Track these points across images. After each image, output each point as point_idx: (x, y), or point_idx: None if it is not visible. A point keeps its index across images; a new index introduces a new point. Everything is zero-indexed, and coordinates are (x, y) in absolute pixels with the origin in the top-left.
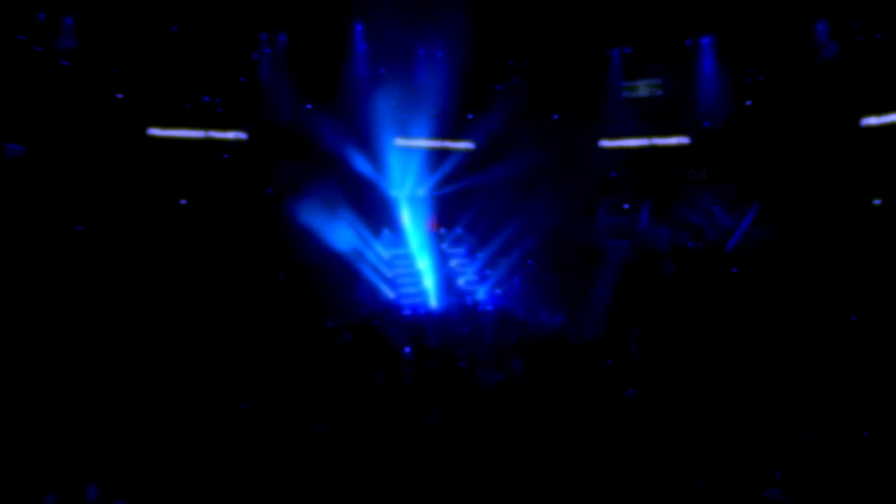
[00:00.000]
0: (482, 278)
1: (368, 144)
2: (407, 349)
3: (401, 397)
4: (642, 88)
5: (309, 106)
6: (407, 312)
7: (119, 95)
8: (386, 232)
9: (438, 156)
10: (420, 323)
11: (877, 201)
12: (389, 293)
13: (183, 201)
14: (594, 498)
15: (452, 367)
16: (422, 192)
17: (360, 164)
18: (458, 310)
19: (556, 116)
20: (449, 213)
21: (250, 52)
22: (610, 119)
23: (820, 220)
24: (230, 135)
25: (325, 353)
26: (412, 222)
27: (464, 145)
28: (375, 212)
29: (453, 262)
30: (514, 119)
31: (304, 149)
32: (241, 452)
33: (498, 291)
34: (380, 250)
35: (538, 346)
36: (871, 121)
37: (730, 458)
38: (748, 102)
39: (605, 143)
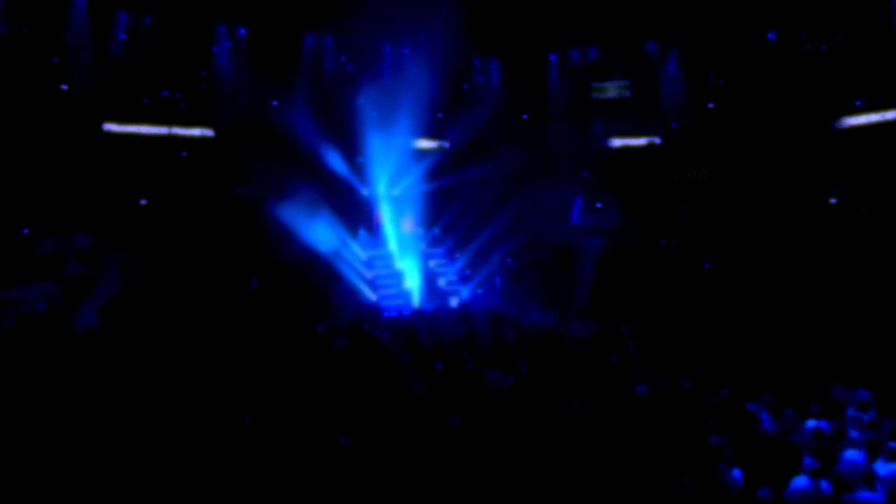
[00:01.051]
0: (462, 278)
1: (339, 143)
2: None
3: (416, 403)
4: (611, 90)
5: (275, 102)
6: (390, 314)
7: (64, 87)
8: (362, 232)
9: (412, 155)
10: (411, 325)
11: (833, 200)
12: (371, 295)
13: (143, 201)
14: (635, 493)
15: (462, 369)
16: (396, 191)
17: (332, 162)
18: (446, 311)
19: (525, 116)
20: (425, 214)
21: (209, 46)
22: (580, 120)
23: (780, 215)
24: (195, 131)
25: (322, 359)
26: (388, 222)
27: (437, 144)
28: (350, 211)
29: (432, 263)
30: (485, 118)
31: (272, 146)
32: (262, 470)
33: (479, 291)
34: (357, 251)
35: (537, 345)
36: (841, 122)
37: (755, 448)
38: (710, 105)
39: (575, 143)
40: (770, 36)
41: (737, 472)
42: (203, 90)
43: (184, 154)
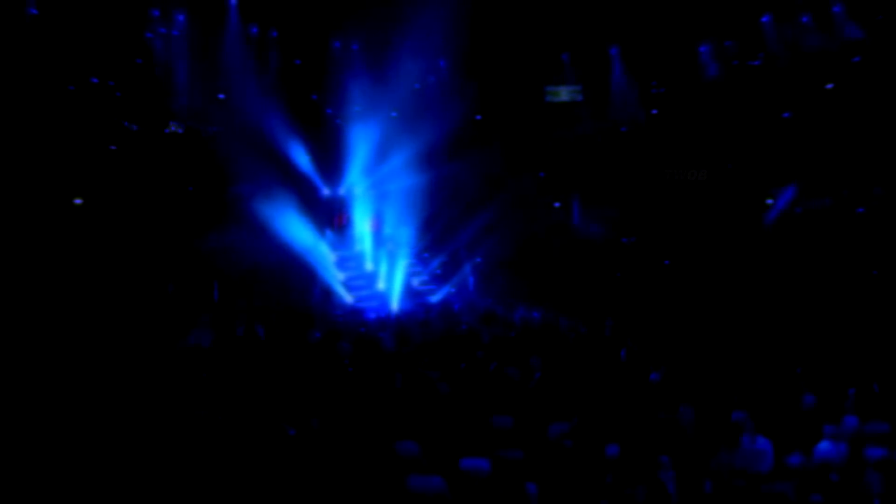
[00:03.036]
0: (435, 278)
1: (294, 140)
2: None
3: (452, 404)
4: (564, 93)
5: (222, 96)
6: (380, 316)
7: None
8: (328, 233)
9: (372, 153)
10: (408, 326)
11: (769, 200)
12: (347, 297)
13: (78, 200)
14: (687, 468)
15: (485, 369)
16: (359, 190)
17: (289, 160)
18: (436, 311)
19: (478, 117)
20: (392, 213)
21: (142, 31)
22: (533, 120)
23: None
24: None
25: (331, 366)
26: (354, 222)
27: (396, 143)
28: (313, 211)
29: (405, 263)
30: (440, 117)
31: (224, 142)
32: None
33: (453, 290)
34: (325, 252)
35: (542, 341)
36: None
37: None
38: (654, 111)
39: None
40: (702, 49)
41: (765, 443)
42: (139, 79)
43: (112, 148)
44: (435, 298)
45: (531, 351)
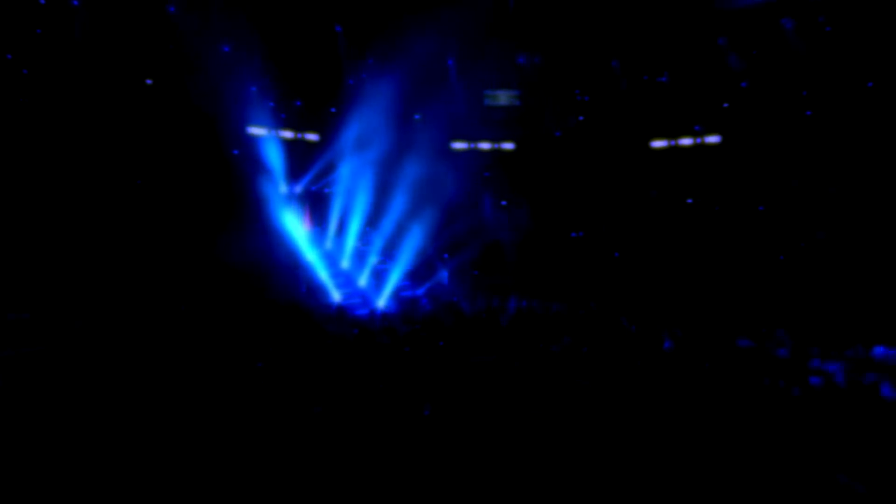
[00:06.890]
0: (408, 276)
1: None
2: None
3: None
4: (503, 98)
5: (149, 81)
6: (361, 312)
7: None
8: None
9: (329, 153)
10: (434, 317)
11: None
12: (335, 295)
13: None
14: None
15: (535, 349)
16: (321, 189)
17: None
18: (443, 304)
19: (417, 116)
20: (356, 213)
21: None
22: (470, 122)
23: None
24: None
25: (378, 359)
26: (325, 220)
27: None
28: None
29: (375, 261)
30: (375, 117)
31: (153, 134)
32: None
33: (429, 285)
34: (307, 248)
35: (557, 323)
36: (657, 144)
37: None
38: (581, 118)
39: (479, 146)
40: (614, 64)
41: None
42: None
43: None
44: (421, 293)
45: (559, 331)
